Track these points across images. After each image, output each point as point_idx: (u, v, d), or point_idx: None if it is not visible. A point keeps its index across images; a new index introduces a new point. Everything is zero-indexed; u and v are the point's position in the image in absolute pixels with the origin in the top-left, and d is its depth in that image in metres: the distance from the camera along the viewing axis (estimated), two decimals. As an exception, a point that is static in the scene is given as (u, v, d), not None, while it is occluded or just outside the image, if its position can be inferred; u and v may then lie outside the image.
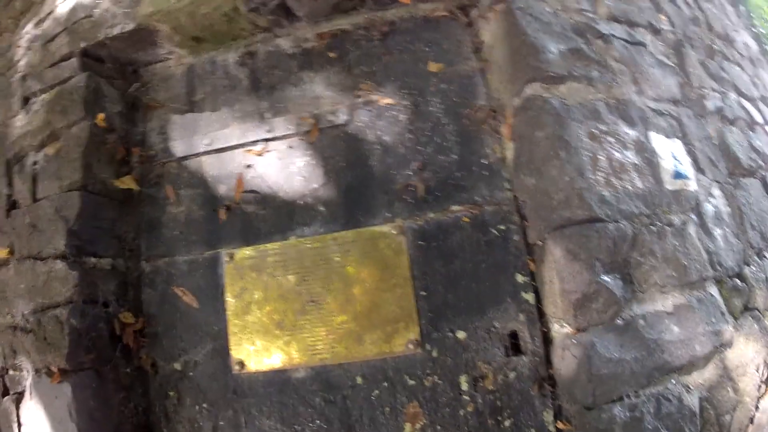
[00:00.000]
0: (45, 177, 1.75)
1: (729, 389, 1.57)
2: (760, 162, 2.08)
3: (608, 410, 1.29)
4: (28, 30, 2.11)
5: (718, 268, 1.65)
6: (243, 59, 1.70)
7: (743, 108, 2.27)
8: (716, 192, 1.83)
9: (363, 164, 1.55)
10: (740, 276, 1.76)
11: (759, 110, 2.43)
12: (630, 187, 1.48)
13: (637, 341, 1.36)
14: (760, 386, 1.69)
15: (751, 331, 1.71)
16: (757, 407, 1.61)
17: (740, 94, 2.33)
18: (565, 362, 1.37)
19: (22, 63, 2.06)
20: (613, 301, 1.35)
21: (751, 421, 1.56)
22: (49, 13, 2.04)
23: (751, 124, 2.29)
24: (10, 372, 1.73)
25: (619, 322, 1.36)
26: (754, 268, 1.85)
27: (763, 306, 1.82)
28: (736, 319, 1.64)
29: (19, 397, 1.68)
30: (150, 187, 1.69)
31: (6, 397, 1.72)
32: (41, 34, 2.02)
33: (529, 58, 1.49)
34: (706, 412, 1.47)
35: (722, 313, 1.59)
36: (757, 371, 1.69)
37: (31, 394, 1.61)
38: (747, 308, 1.76)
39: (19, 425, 1.66)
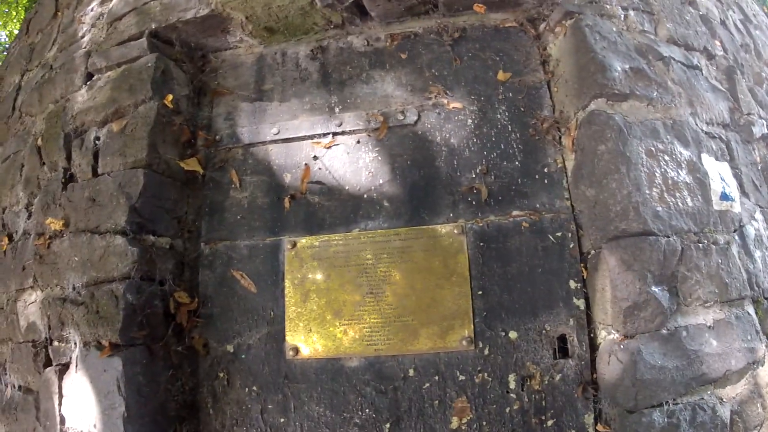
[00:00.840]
0: (108, 153, 1.82)
1: (758, 405, 1.67)
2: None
3: (648, 415, 1.39)
4: (93, 7, 2.18)
5: (756, 288, 1.75)
6: (314, 53, 1.78)
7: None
8: (758, 216, 1.93)
9: (429, 164, 1.64)
10: None
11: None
12: (681, 205, 1.57)
13: (679, 351, 1.45)
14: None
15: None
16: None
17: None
18: (609, 367, 1.45)
19: (85, 39, 2.13)
20: (660, 311, 1.44)
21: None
22: (116, -10, 2.10)
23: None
24: (55, 343, 1.81)
25: (664, 331, 1.46)
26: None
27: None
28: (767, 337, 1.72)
29: (62, 369, 1.76)
30: (214, 171, 1.76)
31: (48, 368, 1.80)
32: (108, 12, 2.09)
33: (596, 75, 1.57)
34: (735, 425, 1.57)
35: (757, 332, 1.69)
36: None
37: (77, 366, 1.69)
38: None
39: (61, 396, 1.73)
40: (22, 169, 2.18)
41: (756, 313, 1.78)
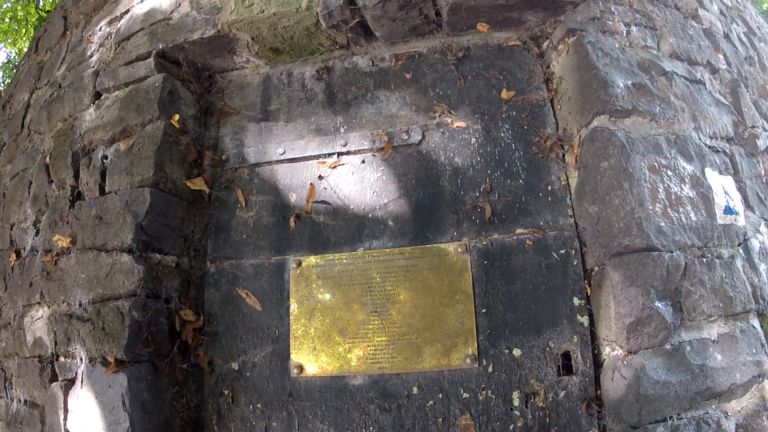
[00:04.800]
0: (115, 171, 1.88)
1: (764, 418, 1.69)
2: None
3: (652, 430, 1.40)
4: (102, 26, 2.26)
5: (761, 301, 1.77)
6: (320, 73, 1.84)
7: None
8: (763, 229, 1.96)
9: (433, 183, 1.69)
10: None
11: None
12: (684, 220, 1.60)
13: (683, 366, 1.48)
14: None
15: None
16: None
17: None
18: (613, 383, 1.48)
19: (94, 58, 2.21)
20: (664, 326, 1.48)
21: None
22: (125, 12, 2.20)
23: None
24: (61, 359, 1.86)
25: (667, 347, 1.49)
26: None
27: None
28: None
29: (68, 384, 1.80)
30: (220, 191, 1.82)
31: (54, 383, 1.85)
32: (116, 32, 2.17)
33: (598, 92, 1.62)
34: None
35: (762, 345, 1.72)
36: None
37: (82, 381, 1.73)
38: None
39: (66, 411, 1.78)
40: (30, 186, 2.25)
41: (761, 326, 1.80)
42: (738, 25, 2.48)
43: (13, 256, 2.18)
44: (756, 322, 1.76)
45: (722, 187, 1.77)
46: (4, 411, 2.14)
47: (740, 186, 1.91)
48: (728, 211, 1.76)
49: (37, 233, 2.12)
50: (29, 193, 2.22)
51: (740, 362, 1.62)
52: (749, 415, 1.63)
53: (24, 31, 4.26)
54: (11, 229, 2.29)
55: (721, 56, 2.13)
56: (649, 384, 1.42)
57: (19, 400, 2.03)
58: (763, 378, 1.68)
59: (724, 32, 2.31)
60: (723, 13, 2.43)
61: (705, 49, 2.05)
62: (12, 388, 2.09)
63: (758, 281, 1.80)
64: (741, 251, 1.76)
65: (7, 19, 4.28)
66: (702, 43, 2.06)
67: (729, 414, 1.56)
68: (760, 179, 2.05)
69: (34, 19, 4.21)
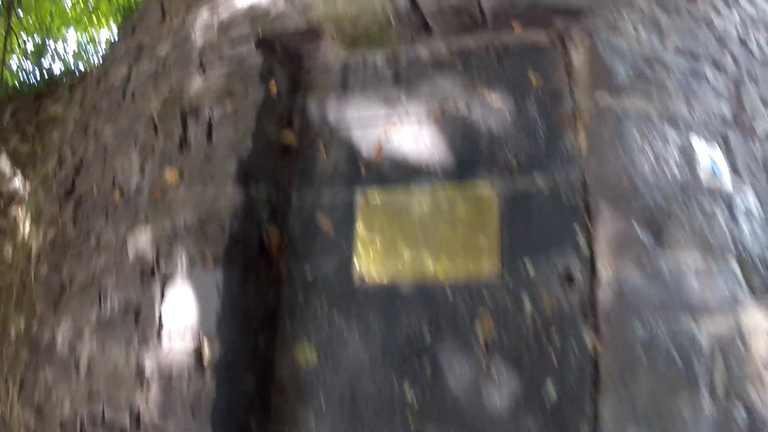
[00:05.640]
0: (221, 126, 3.21)
1: (739, 344, 2.69)
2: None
3: (634, 331, 2.44)
4: (203, 15, 3.70)
5: (741, 248, 2.82)
6: (388, 59, 3.15)
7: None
8: (751, 198, 3.04)
9: (474, 144, 2.92)
10: (766, 266, 2.90)
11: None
12: (669, 177, 2.73)
13: (661, 283, 2.52)
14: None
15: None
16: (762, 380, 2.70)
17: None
18: (605, 294, 2.57)
19: (198, 40, 3.62)
20: (645, 252, 2.55)
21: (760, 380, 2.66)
22: (226, 3, 3.61)
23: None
24: (162, 264, 3.05)
25: (648, 269, 2.54)
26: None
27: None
28: (754, 294, 2.78)
29: (165, 282, 2.97)
30: (305, 146, 3.14)
31: (153, 283, 3.02)
32: (218, 21, 3.58)
33: (603, 78, 2.82)
34: (715, 356, 2.59)
35: (740, 284, 2.75)
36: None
37: (181, 278, 2.93)
38: (768, 290, 2.89)
39: (161, 303, 2.93)
40: (137, 139, 3.61)
41: (742, 271, 2.81)
42: (759, 31, 3.69)
43: (118, 193, 3.51)
44: (735, 266, 2.78)
45: (709, 154, 2.90)
46: (96, 318, 3.39)
47: (730, 157, 3.02)
48: (714, 172, 2.87)
49: (142, 175, 3.46)
50: (136, 145, 3.58)
51: (717, 294, 2.65)
52: (723, 338, 2.66)
53: (95, 18, 6.08)
54: (114, 177, 3.65)
55: (728, 57, 3.31)
56: (632, 295, 2.51)
57: (114, 305, 3.26)
58: (739, 309, 2.71)
59: (740, 38, 3.51)
60: (744, 22, 3.64)
61: (711, 49, 3.24)
62: (107, 299, 3.34)
63: (739, 233, 2.84)
64: (723, 206, 2.84)
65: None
66: (710, 45, 3.25)
67: (703, 330, 2.60)
68: (754, 159, 3.16)
69: (104, 8, 6.00)
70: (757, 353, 2.76)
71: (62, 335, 3.69)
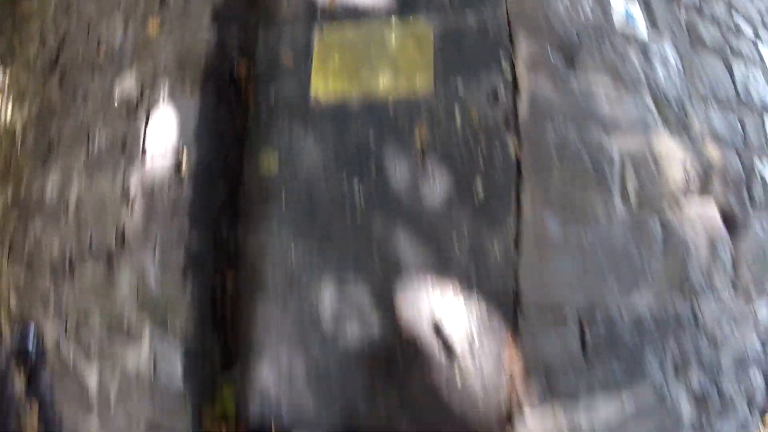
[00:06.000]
0: (197, -19, 4.07)
1: (652, 165, 3.55)
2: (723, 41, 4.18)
3: (547, 135, 3.32)
4: None
5: (655, 87, 3.64)
6: None
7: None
8: (669, 51, 3.91)
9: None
10: (683, 108, 3.81)
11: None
12: (582, 16, 3.57)
13: (572, 98, 3.24)
14: (687, 182, 3.67)
15: (681, 141, 3.74)
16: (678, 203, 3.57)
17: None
18: (523, 107, 3.43)
19: None
20: (557, 71, 3.32)
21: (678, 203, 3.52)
22: None
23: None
24: (145, 101, 3.88)
25: (560, 84, 3.38)
26: (698, 110, 3.90)
27: (699, 132, 3.86)
28: (668, 127, 3.67)
29: (149, 113, 3.78)
30: (270, -3, 3.99)
31: (139, 115, 3.86)
32: None
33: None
34: (626, 166, 3.48)
35: (652, 114, 3.57)
36: (685, 170, 3.69)
37: (164, 103, 3.66)
38: (684, 128, 3.80)
39: (146, 127, 3.76)
40: (120, 5, 4.49)
41: (656, 107, 3.71)
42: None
43: (103, 51, 4.37)
44: (649, 101, 3.54)
45: (624, 4, 3.79)
46: (84, 160, 4.27)
47: (650, 15, 3.87)
48: (627, 18, 3.71)
49: (125, 34, 4.34)
50: (119, 9, 4.46)
51: (628, 116, 3.36)
52: (635, 155, 3.40)
53: None
54: (98, 40, 4.53)
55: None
56: (545, 105, 3.38)
57: (101, 147, 4.16)
58: (651, 135, 3.51)
59: None
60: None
61: None
62: (95, 141, 4.23)
63: (652, 73, 3.61)
64: (637, 47, 3.63)
65: None
66: None
67: (613, 144, 3.45)
68: (677, 21, 4.02)
69: None
70: (672, 179, 3.53)
71: (51, 185, 4.47)
